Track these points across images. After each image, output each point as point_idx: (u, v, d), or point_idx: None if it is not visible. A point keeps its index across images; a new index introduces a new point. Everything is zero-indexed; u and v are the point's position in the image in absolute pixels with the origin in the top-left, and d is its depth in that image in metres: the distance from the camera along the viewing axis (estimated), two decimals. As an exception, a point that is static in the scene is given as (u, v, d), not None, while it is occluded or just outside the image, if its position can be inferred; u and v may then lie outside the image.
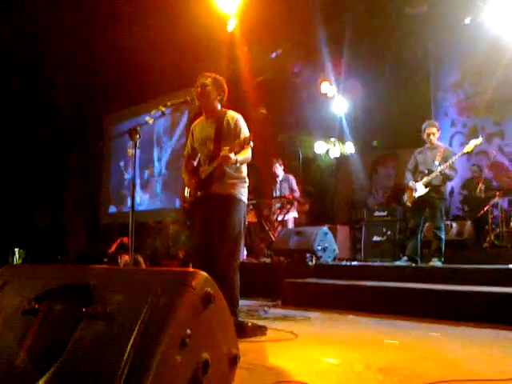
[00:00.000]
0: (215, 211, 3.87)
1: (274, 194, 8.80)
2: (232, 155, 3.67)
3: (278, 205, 8.65)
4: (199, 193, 3.93)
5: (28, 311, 1.68)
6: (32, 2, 8.85)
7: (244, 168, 4.02)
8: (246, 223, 7.81)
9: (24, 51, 9.81)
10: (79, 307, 1.61)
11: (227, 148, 3.67)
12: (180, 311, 1.54)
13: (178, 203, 11.15)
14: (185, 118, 11.26)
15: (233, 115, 4.00)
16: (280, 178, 8.90)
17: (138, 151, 3.43)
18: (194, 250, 4.30)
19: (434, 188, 6.21)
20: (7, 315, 1.73)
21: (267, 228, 8.49)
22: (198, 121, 4.21)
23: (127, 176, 12.24)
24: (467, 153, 6.24)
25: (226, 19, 7.92)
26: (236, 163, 3.77)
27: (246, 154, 3.86)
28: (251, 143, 3.90)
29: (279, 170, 8.93)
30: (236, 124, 3.95)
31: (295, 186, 8.78)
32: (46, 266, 1.99)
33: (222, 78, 4.08)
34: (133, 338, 1.48)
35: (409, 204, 6.45)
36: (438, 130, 6.52)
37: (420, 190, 6.26)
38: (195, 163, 4.11)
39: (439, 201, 6.28)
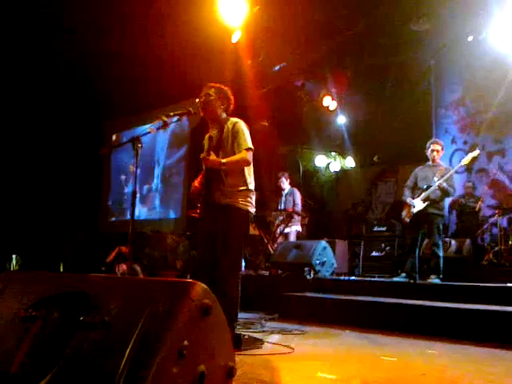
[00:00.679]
0: (217, 221, 3.84)
1: (279, 207, 8.82)
2: (212, 157, 3.68)
3: (281, 218, 8.66)
4: (199, 203, 3.91)
5: (26, 318, 1.67)
6: (32, 8, 8.90)
7: (247, 176, 3.95)
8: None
9: (27, 58, 9.87)
10: (77, 315, 1.60)
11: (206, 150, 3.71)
12: (178, 322, 1.53)
13: (175, 214, 11.22)
14: (173, 132, 11.49)
15: (233, 121, 3.98)
16: (286, 191, 8.91)
17: (138, 169, 3.44)
18: (194, 259, 4.29)
19: (431, 203, 6.21)
20: (5, 321, 1.73)
21: (266, 241, 8.48)
22: (207, 135, 4.21)
23: (127, 190, 12.30)
24: (465, 165, 6.29)
25: (230, 31, 7.96)
26: (220, 165, 3.75)
27: (239, 157, 3.83)
28: (249, 146, 3.88)
29: (285, 183, 8.94)
30: (233, 128, 3.92)
31: (298, 200, 8.77)
32: (45, 273, 1.98)
33: (228, 88, 4.08)
34: (130, 347, 1.47)
35: (407, 220, 6.44)
36: (442, 149, 6.54)
37: (418, 205, 6.26)
38: None
39: (437, 217, 6.28)
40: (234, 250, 3.79)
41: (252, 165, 3.96)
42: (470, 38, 8.11)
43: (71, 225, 11.80)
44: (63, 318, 1.63)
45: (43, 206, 11.43)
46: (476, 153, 6.23)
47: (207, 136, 4.18)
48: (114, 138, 12.28)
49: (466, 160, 6.22)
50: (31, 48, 9.77)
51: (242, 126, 3.95)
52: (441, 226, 6.36)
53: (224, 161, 3.76)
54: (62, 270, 10.49)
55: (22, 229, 10.89)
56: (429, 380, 2.90)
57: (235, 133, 3.90)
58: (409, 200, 6.39)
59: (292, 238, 8.59)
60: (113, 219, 12.91)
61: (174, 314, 1.55)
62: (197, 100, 3.97)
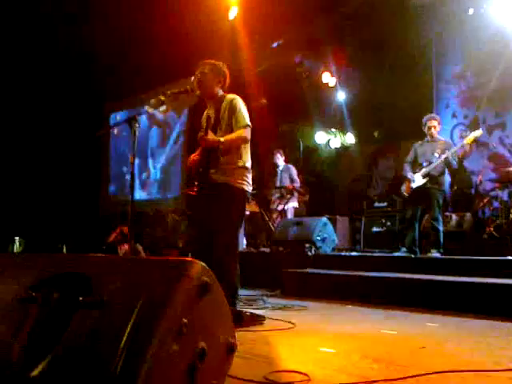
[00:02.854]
0: (213, 199, 3.84)
1: (276, 185, 8.82)
2: (210, 136, 3.67)
3: (278, 195, 8.66)
4: (196, 182, 3.90)
5: (25, 300, 1.69)
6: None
7: (243, 153, 3.93)
8: (248, 213, 7.86)
9: (24, 39, 9.78)
10: (76, 296, 1.62)
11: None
12: (176, 300, 1.55)
13: (175, 193, 11.30)
14: (178, 125, 11.55)
15: (230, 97, 3.96)
16: (280, 168, 8.90)
17: (136, 160, 3.46)
18: (193, 238, 4.31)
19: (431, 178, 6.24)
20: (4, 303, 1.74)
21: (267, 218, 8.51)
22: (205, 112, 4.19)
23: (128, 177, 12.38)
24: (467, 144, 6.26)
25: (227, 8, 7.88)
26: (219, 145, 3.73)
27: (237, 135, 3.81)
28: (247, 123, 3.86)
29: (280, 160, 8.93)
30: (230, 105, 3.89)
31: (295, 176, 8.78)
32: (44, 254, 1.99)
33: (222, 63, 4.05)
34: (129, 326, 1.49)
35: (406, 194, 6.47)
36: (438, 124, 6.52)
37: (418, 180, 6.28)
38: None
39: (437, 191, 6.30)
40: (230, 228, 3.81)
41: (249, 142, 3.95)
42: (471, 12, 8.03)
43: (73, 206, 11.82)
44: (63, 299, 1.65)
45: (45, 188, 11.45)
46: (479, 132, 6.21)
47: (205, 114, 4.16)
48: (116, 132, 12.39)
49: (469, 139, 6.20)
50: (29, 29, 9.69)
51: (240, 102, 3.92)
52: (441, 201, 6.37)
53: (222, 139, 3.74)
54: (64, 251, 10.55)
55: (25, 211, 10.93)
56: (428, 353, 2.93)
57: (233, 110, 3.87)
58: (409, 175, 6.41)
59: (290, 214, 8.61)
60: (114, 200, 12.96)
61: (172, 292, 1.57)
62: (192, 78, 3.95)
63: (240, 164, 3.90)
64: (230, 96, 3.97)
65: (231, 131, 3.82)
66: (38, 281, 1.73)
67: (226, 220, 3.80)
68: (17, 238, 10.82)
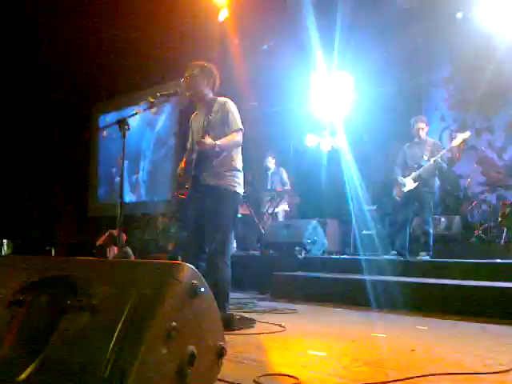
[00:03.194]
0: (205, 202, 3.82)
1: (268, 187, 8.82)
2: (208, 140, 3.66)
3: (268, 197, 8.66)
4: (187, 185, 3.88)
5: (13, 303, 1.66)
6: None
7: (236, 156, 3.92)
8: (239, 216, 7.84)
9: (13, 39, 9.73)
10: (64, 299, 1.60)
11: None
12: (165, 304, 1.54)
13: (164, 196, 11.27)
14: (163, 127, 11.58)
15: (222, 100, 3.94)
16: (271, 170, 8.91)
17: (126, 161, 3.44)
18: (185, 242, 4.28)
19: (422, 181, 6.25)
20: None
21: (257, 221, 8.49)
22: (194, 114, 4.17)
23: (117, 180, 12.33)
24: (456, 146, 6.30)
25: (217, 9, 7.86)
26: (215, 148, 3.72)
27: (231, 139, 3.80)
28: (240, 127, 3.86)
29: (271, 163, 8.95)
30: (223, 108, 3.88)
31: (286, 179, 8.79)
32: (33, 257, 1.98)
33: (212, 65, 4.04)
34: (118, 330, 1.47)
35: (398, 198, 6.48)
36: (426, 125, 6.56)
37: (409, 184, 6.29)
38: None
39: (428, 194, 6.32)
40: (223, 232, 3.78)
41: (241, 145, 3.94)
42: (460, 15, 8.09)
43: (62, 209, 11.76)
44: (50, 302, 1.63)
45: (33, 191, 11.38)
46: (467, 134, 6.25)
47: (193, 116, 4.15)
48: (104, 134, 12.36)
49: (457, 142, 6.23)
50: (16, 28, 9.63)
51: (232, 105, 3.92)
52: (431, 204, 6.39)
53: (218, 143, 3.73)
54: (53, 254, 10.48)
55: (13, 214, 10.86)
56: (418, 356, 2.93)
57: (225, 113, 3.86)
58: (399, 178, 6.43)
59: (280, 217, 8.62)
60: (103, 202, 12.90)
61: (161, 295, 1.55)
62: (181, 80, 3.93)
63: (232, 166, 3.88)
64: (222, 99, 3.95)
65: (224, 134, 3.81)
66: (26, 284, 1.71)
67: (219, 223, 3.78)
68: (5, 241, 10.74)
